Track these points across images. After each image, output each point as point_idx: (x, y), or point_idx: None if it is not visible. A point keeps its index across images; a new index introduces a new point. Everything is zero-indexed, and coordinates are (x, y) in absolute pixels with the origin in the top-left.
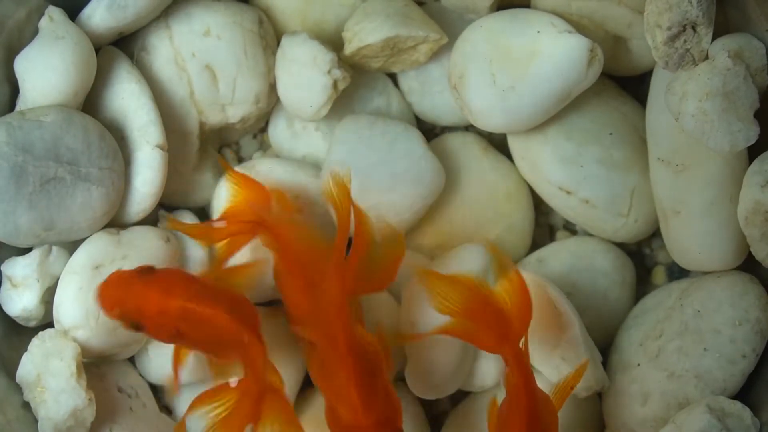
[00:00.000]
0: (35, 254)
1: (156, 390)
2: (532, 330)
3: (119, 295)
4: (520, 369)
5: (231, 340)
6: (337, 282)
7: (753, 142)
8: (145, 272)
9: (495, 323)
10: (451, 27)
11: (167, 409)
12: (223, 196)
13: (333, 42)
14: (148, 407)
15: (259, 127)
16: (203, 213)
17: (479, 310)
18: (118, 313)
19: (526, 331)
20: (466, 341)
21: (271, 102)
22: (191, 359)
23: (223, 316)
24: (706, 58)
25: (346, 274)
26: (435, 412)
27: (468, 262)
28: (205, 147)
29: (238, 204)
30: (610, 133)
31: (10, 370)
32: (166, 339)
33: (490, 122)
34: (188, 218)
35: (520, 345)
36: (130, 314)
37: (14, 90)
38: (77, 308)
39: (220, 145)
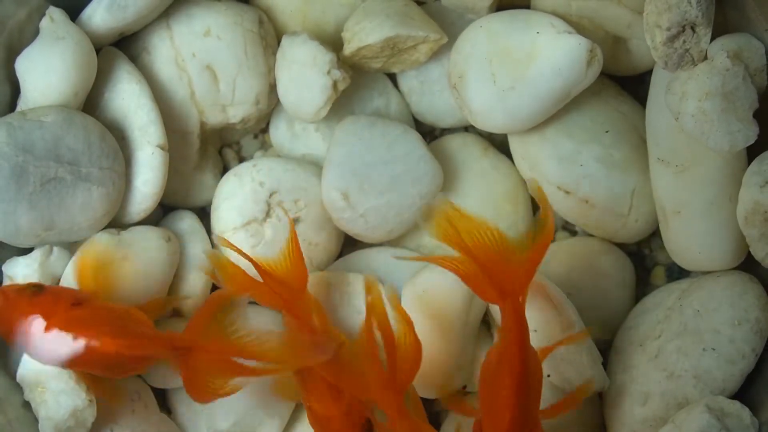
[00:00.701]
0: (36, 254)
1: (157, 392)
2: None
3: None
4: (517, 324)
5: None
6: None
7: (752, 142)
8: (34, 291)
9: (501, 273)
10: (451, 27)
11: (168, 411)
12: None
13: (333, 42)
14: (149, 409)
15: (260, 127)
16: (203, 213)
17: (488, 254)
18: None
19: (527, 287)
20: (465, 283)
21: (271, 102)
22: None
23: (104, 340)
24: (706, 58)
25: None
26: (435, 411)
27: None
28: (206, 147)
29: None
30: (607, 131)
31: (11, 370)
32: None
33: (490, 122)
34: (189, 218)
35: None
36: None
37: (15, 90)
38: None
39: (221, 145)
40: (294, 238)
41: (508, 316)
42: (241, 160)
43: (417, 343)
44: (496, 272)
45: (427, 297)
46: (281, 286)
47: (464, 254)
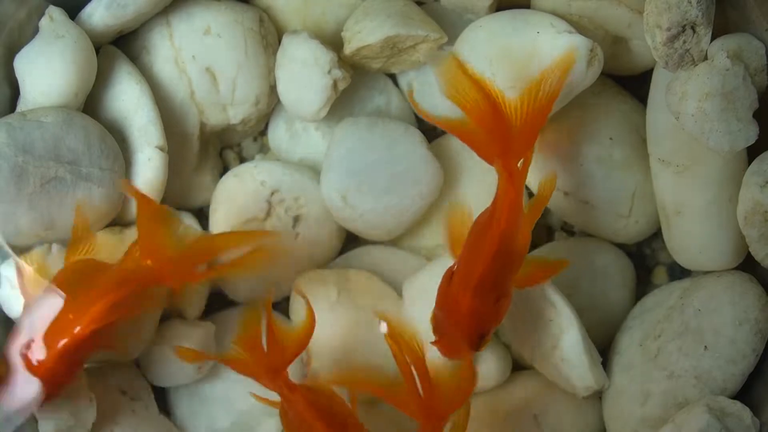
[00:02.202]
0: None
1: (158, 392)
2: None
3: None
4: (510, 186)
5: None
6: None
7: (752, 142)
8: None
9: (500, 133)
10: (450, 27)
11: (168, 412)
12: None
13: (333, 42)
14: (149, 410)
15: (259, 129)
16: (202, 214)
17: (489, 114)
18: None
19: (528, 150)
20: (464, 141)
21: (271, 103)
22: None
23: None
24: (706, 58)
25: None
26: None
27: None
28: (206, 148)
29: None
30: (610, 138)
31: None
32: None
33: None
34: (188, 219)
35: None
36: None
37: (14, 90)
38: None
39: (221, 148)
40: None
41: (503, 177)
42: (242, 161)
43: (541, 116)
44: (496, 132)
45: (427, 295)
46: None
47: (466, 111)
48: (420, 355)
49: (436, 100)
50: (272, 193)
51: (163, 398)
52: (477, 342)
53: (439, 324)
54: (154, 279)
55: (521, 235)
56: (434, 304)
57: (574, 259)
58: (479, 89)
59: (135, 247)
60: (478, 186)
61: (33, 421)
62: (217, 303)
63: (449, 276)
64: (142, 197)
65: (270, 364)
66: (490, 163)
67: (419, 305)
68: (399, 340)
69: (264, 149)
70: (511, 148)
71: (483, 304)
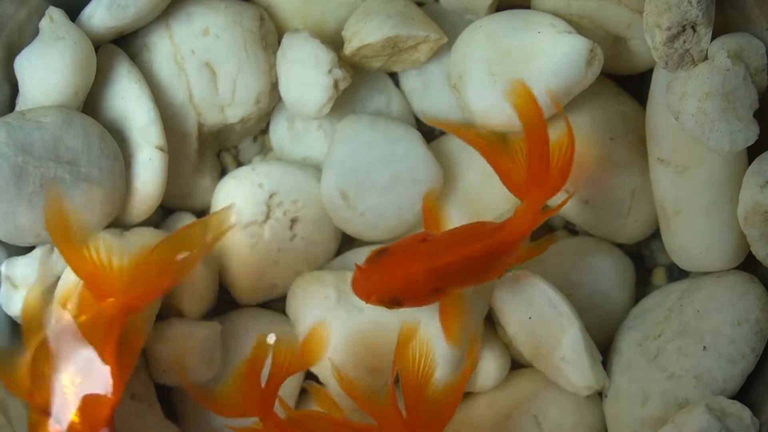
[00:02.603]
0: (36, 254)
1: (162, 394)
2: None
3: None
4: (525, 222)
5: None
6: None
7: (752, 142)
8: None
9: (540, 171)
10: (450, 27)
11: (171, 412)
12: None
13: (333, 42)
14: (153, 409)
15: (259, 128)
16: (202, 215)
17: (538, 149)
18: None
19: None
20: (491, 163)
21: (272, 102)
22: None
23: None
24: (706, 58)
25: None
26: None
27: None
28: (204, 149)
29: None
30: (611, 138)
31: None
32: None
33: (490, 122)
34: (188, 220)
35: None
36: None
37: (14, 90)
38: None
39: (219, 149)
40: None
41: (525, 212)
42: (239, 164)
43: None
44: (536, 168)
45: None
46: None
47: (523, 138)
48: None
49: (436, 100)
50: (270, 196)
51: (167, 401)
52: (387, 300)
53: (377, 257)
54: (128, 311)
55: (501, 265)
56: (385, 247)
57: (575, 259)
58: (541, 124)
59: (85, 294)
60: (478, 186)
61: None
62: (226, 304)
63: (423, 237)
64: (54, 227)
65: (263, 402)
66: (518, 195)
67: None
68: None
69: (264, 149)
70: (544, 188)
71: (425, 282)
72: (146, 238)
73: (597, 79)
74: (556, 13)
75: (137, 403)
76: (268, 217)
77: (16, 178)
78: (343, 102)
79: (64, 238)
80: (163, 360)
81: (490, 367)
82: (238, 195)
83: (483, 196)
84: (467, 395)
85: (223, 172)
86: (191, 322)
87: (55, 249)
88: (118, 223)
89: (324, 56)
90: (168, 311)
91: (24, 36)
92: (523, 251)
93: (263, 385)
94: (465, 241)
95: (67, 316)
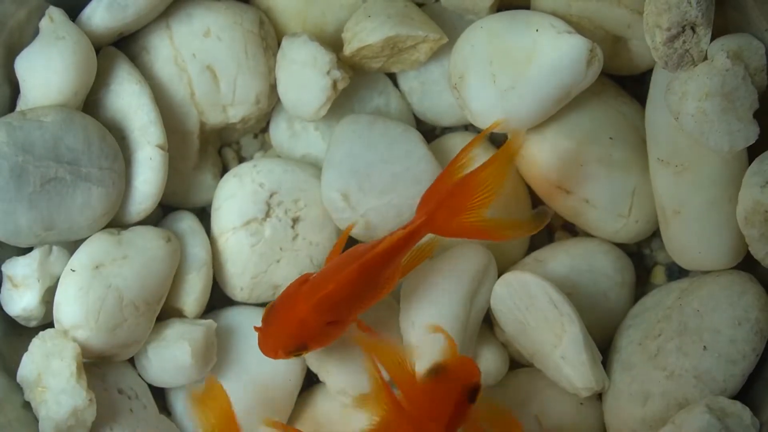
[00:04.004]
0: (36, 254)
1: (156, 392)
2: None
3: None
4: (406, 234)
5: None
6: None
7: (752, 142)
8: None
9: (439, 194)
10: (451, 28)
11: (167, 411)
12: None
13: (333, 43)
14: (148, 409)
15: (260, 127)
16: (203, 213)
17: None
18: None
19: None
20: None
21: (271, 102)
22: None
23: None
24: (706, 58)
25: None
26: None
27: (467, 261)
28: (206, 147)
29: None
30: (611, 138)
31: (11, 370)
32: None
33: (490, 122)
34: (188, 219)
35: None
36: None
37: (15, 90)
38: (77, 308)
39: (220, 145)
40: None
41: (410, 225)
42: (241, 160)
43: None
44: (436, 190)
45: (426, 299)
46: None
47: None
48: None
49: (436, 100)
50: (271, 195)
51: (162, 399)
52: (292, 350)
53: (268, 315)
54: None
55: (387, 279)
56: (278, 297)
57: (575, 259)
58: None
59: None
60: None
61: (33, 421)
62: (219, 301)
63: (303, 279)
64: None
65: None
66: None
67: (417, 309)
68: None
69: (265, 146)
70: (438, 213)
71: (316, 320)
72: (143, 237)
73: (597, 79)
74: (556, 14)
75: (131, 400)
76: (268, 215)
77: (16, 177)
78: (343, 103)
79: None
80: (155, 361)
81: (488, 366)
82: (238, 193)
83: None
84: None
85: (224, 169)
86: (187, 321)
87: (54, 249)
88: (117, 222)
89: (323, 57)
90: (168, 312)
91: (24, 36)
92: (403, 264)
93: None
94: (340, 267)
95: None
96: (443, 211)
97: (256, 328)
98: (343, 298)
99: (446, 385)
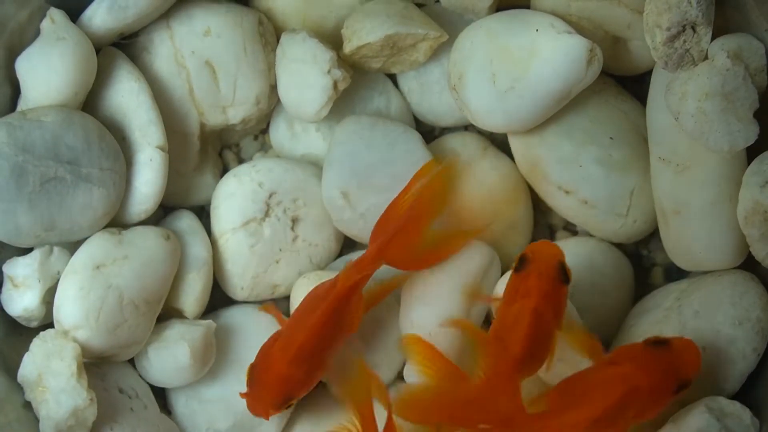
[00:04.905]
0: (36, 254)
1: (156, 391)
2: None
3: None
4: (357, 269)
5: None
6: None
7: (752, 142)
8: None
9: (387, 228)
10: (450, 28)
11: (168, 411)
12: None
13: (333, 42)
14: (149, 408)
15: (260, 128)
16: (203, 213)
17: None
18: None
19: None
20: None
21: (271, 102)
22: None
23: None
24: (706, 58)
25: None
26: None
27: (467, 261)
28: (206, 148)
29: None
30: (611, 138)
31: (12, 370)
32: None
33: (490, 122)
34: (188, 218)
35: None
36: None
37: (15, 90)
38: (77, 308)
39: (221, 147)
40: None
41: (362, 259)
42: (241, 161)
43: None
44: (385, 222)
45: (427, 299)
46: None
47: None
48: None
49: (435, 100)
50: (270, 195)
51: (163, 399)
52: (281, 405)
53: (251, 378)
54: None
55: (352, 316)
56: (255, 357)
57: (575, 259)
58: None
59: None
60: (478, 184)
61: (34, 421)
62: (219, 301)
63: (276, 337)
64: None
65: None
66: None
67: (417, 309)
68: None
69: (265, 147)
70: (390, 245)
71: (295, 372)
72: (143, 237)
73: (597, 78)
74: (555, 14)
75: (132, 400)
76: (267, 214)
77: (16, 177)
78: (343, 103)
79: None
80: (155, 362)
81: None
82: (237, 192)
83: (483, 194)
84: None
85: (224, 170)
86: (187, 322)
87: (55, 249)
88: (117, 223)
89: (322, 55)
90: (169, 312)
91: (25, 37)
92: (368, 298)
93: None
94: (305, 316)
95: None
96: (395, 242)
97: (242, 395)
98: (315, 345)
99: (536, 269)
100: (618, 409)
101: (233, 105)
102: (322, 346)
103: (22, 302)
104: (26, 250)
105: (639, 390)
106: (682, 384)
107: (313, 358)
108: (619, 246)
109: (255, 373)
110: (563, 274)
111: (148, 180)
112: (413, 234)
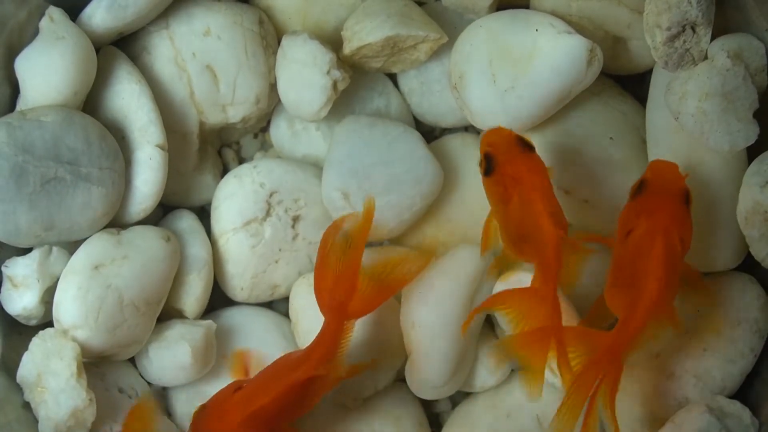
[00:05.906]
0: (36, 254)
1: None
2: None
3: None
4: (324, 340)
5: None
6: None
7: (752, 142)
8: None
9: (341, 288)
10: (451, 27)
11: (168, 412)
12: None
13: (333, 42)
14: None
15: (260, 127)
16: (203, 212)
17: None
18: None
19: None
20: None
21: (271, 102)
22: None
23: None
24: (706, 58)
25: None
26: (435, 412)
27: (467, 261)
28: (205, 147)
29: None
30: (611, 138)
31: (11, 370)
32: None
33: (490, 122)
34: (188, 218)
35: None
36: None
37: (15, 90)
38: (77, 308)
39: (220, 145)
40: None
41: (324, 330)
42: (241, 160)
43: None
44: (341, 286)
45: (427, 299)
46: None
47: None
48: None
49: (436, 100)
50: (271, 195)
51: (162, 399)
52: None
53: (197, 423)
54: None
55: (312, 397)
56: (204, 404)
57: (574, 258)
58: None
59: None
60: (478, 186)
61: (33, 421)
62: (219, 301)
63: (235, 387)
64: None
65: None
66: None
67: (417, 309)
68: None
69: (265, 146)
70: (341, 306)
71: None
72: (143, 237)
73: (597, 78)
74: (555, 13)
75: (131, 399)
76: (268, 214)
77: (16, 177)
78: (343, 103)
79: None
80: (155, 361)
81: (489, 366)
82: (238, 192)
83: (483, 196)
84: (468, 395)
85: (224, 169)
86: (187, 322)
87: (54, 249)
88: (117, 222)
89: (322, 57)
90: (169, 312)
91: (24, 36)
92: (338, 371)
93: None
94: (272, 380)
95: None
96: (343, 300)
97: None
98: (271, 413)
99: (659, 188)
100: (670, 263)
101: (233, 104)
102: (278, 416)
103: (21, 302)
104: (26, 250)
105: (669, 231)
106: (684, 193)
107: (265, 424)
108: None
109: (204, 420)
110: (687, 195)
111: (147, 179)
112: (355, 281)
